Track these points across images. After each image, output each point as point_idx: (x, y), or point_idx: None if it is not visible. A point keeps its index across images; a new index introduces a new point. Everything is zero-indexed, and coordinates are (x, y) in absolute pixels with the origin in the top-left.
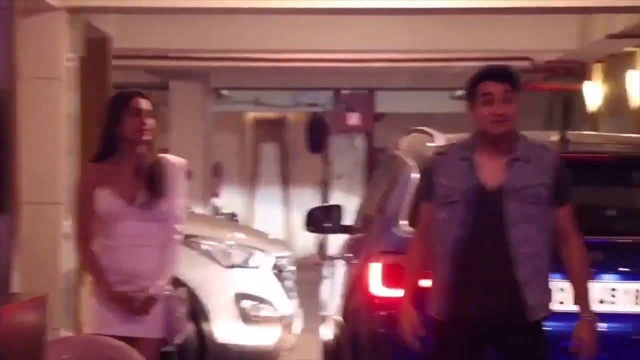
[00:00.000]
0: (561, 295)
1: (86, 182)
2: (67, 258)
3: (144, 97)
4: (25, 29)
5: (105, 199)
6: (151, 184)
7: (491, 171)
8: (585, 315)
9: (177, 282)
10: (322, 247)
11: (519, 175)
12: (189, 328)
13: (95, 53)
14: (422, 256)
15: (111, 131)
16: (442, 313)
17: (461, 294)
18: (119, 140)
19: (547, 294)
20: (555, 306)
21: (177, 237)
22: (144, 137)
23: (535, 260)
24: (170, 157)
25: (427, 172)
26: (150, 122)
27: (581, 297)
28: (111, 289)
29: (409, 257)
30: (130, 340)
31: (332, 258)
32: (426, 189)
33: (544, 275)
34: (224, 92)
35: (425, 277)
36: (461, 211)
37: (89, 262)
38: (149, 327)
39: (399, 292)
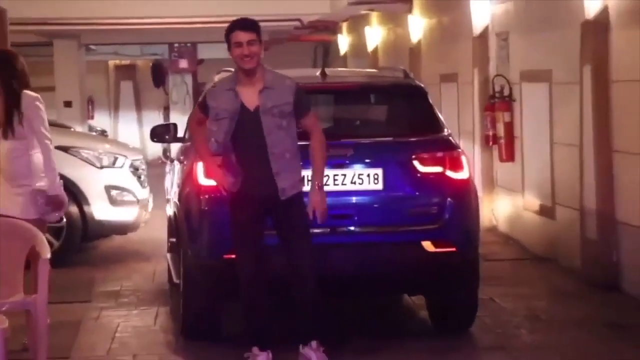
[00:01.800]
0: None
1: None
2: None
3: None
4: None
5: None
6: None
7: (249, 97)
8: (317, 184)
9: (65, 180)
10: (166, 151)
11: (269, 98)
12: (75, 210)
13: None
14: (205, 136)
15: None
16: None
17: (244, 181)
18: None
19: (296, 179)
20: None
21: (46, 148)
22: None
23: (284, 157)
24: (27, 92)
25: (204, 98)
26: None
27: (316, 172)
28: None
29: (196, 137)
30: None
31: (172, 159)
32: (203, 108)
33: (292, 167)
34: (92, 46)
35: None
36: (226, 125)
37: None
38: (24, 210)
39: (212, 182)
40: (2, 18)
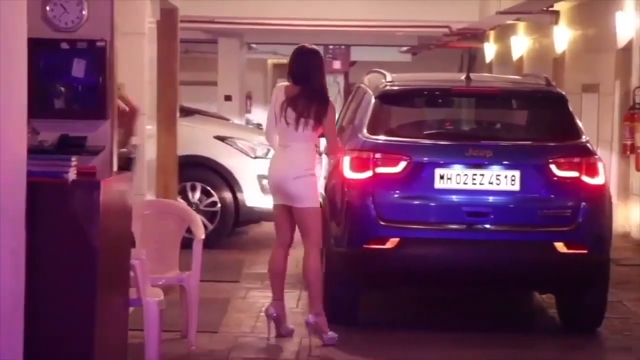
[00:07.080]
0: None
1: None
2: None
3: None
4: (121, 2)
5: None
6: None
7: None
8: None
9: (221, 168)
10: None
11: None
12: (229, 196)
13: (166, 18)
14: None
15: None
16: None
17: None
18: None
19: None
20: None
21: None
22: None
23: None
24: None
25: None
26: None
27: None
28: None
29: None
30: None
31: (320, 153)
32: None
33: None
34: (253, 45)
35: None
36: None
37: None
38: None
39: (359, 175)
40: (174, 16)
